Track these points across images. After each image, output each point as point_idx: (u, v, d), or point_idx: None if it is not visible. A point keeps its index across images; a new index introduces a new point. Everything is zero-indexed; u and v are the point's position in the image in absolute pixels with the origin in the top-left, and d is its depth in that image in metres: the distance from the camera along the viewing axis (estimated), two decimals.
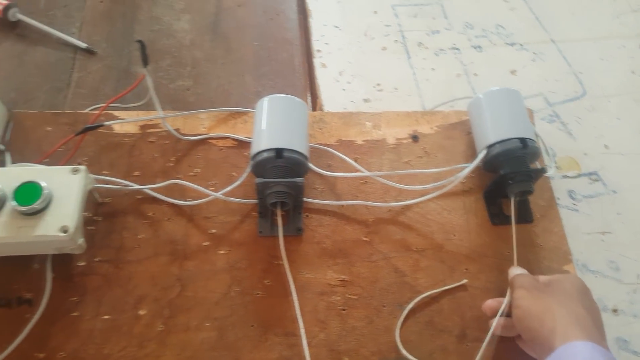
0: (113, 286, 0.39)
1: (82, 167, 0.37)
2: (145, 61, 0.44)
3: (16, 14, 0.53)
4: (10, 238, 0.34)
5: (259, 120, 0.43)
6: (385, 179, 0.44)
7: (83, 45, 0.53)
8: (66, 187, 0.36)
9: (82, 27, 0.55)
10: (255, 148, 0.42)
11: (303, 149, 0.41)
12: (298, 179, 0.40)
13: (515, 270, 0.40)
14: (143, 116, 0.47)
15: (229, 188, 0.42)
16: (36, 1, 0.56)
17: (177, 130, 0.46)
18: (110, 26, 0.55)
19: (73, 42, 0.53)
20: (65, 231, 0.34)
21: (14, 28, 0.54)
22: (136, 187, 0.42)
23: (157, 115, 0.45)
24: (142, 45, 0.43)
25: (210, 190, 0.42)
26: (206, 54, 0.54)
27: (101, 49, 0.53)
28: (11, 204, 0.34)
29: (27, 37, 0.54)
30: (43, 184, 0.35)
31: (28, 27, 0.54)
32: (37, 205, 0.34)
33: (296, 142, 0.41)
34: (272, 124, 0.42)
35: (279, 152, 0.40)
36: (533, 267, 0.41)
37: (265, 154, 0.40)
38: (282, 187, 0.40)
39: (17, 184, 0.35)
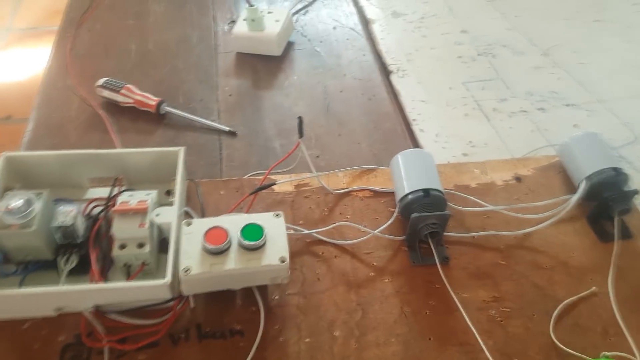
0: (306, 314, 0.46)
1: (281, 213, 0.46)
2: (301, 133, 0.54)
3: (165, 108, 0.65)
4: (243, 269, 0.41)
5: (399, 170, 0.53)
6: (507, 212, 0.53)
7: (226, 128, 0.64)
8: (273, 228, 0.44)
9: (220, 115, 0.66)
10: (401, 192, 0.51)
11: (441, 189, 0.51)
12: (446, 212, 0.49)
13: None
14: (301, 176, 0.57)
15: (382, 227, 0.51)
16: (175, 98, 0.68)
17: (322, 187, 0.56)
18: (242, 114, 0.67)
19: (217, 127, 0.64)
20: (283, 261, 0.42)
21: (163, 119, 0.65)
22: (306, 232, 0.51)
23: (312, 174, 0.55)
24: (301, 121, 0.54)
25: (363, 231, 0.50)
26: (325, 129, 0.65)
27: (240, 131, 0.64)
28: (240, 241, 0.42)
29: (175, 126, 0.65)
30: (262, 224, 0.43)
31: (174, 117, 0.65)
32: (261, 241, 0.42)
33: (435, 183, 0.51)
34: (412, 171, 0.52)
35: (425, 191, 0.50)
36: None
37: (412, 195, 0.50)
38: (435, 220, 0.48)
39: (240, 226, 0.43)
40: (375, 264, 0.50)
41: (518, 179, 0.58)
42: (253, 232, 0.43)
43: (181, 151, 0.50)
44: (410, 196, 0.50)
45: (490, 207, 0.53)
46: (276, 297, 0.46)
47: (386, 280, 0.49)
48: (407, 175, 0.52)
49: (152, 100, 0.65)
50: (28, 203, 0.41)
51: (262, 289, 0.46)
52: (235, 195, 0.55)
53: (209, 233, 0.42)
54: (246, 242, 0.42)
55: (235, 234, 0.43)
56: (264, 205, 0.54)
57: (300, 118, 0.54)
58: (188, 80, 0.72)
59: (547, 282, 0.49)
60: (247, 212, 0.52)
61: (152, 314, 0.43)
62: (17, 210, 0.40)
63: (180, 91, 0.70)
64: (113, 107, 0.66)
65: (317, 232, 0.51)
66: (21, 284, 0.43)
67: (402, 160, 0.54)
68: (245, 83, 0.72)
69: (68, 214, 0.43)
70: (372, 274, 0.49)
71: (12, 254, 0.43)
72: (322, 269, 0.49)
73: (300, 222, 0.52)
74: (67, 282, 0.43)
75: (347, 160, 0.62)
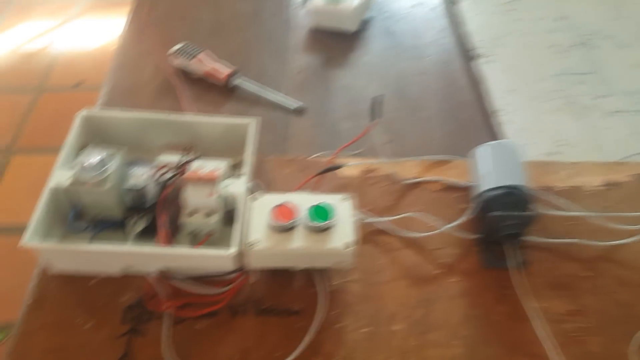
0: (366, 303, 0.44)
1: (348, 196, 0.44)
2: (374, 114, 0.52)
3: (234, 81, 0.64)
4: (308, 249, 0.40)
5: (482, 163, 0.49)
6: (597, 220, 0.48)
7: (294, 105, 0.62)
8: (341, 211, 0.42)
9: (289, 92, 0.65)
10: (482, 187, 0.47)
11: (527, 188, 0.46)
12: (531, 212, 0.45)
13: None
14: (368, 161, 0.54)
15: (455, 223, 0.48)
16: (245, 71, 0.68)
17: (391, 175, 0.53)
18: (311, 92, 0.65)
19: (285, 104, 0.63)
20: (348, 247, 0.40)
21: (232, 92, 0.65)
22: (371, 219, 0.48)
23: (382, 160, 0.52)
24: (378, 101, 0.52)
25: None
26: (397, 115, 0.62)
27: (308, 110, 0.63)
28: (308, 220, 0.41)
29: (244, 100, 0.64)
30: (331, 206, 0.41)
31: (243, 92, 0.65)
32: (328, 223, 0.40)
33: (521, 180, 0.47)
34: (496, 165, 0.48)
35: (510, 189, 0.46)
36: None
37: (495, 192, 0.46)
38: (517, 220, 0.45)
39: (308, 205, 0.41)
40: (442, 261, 0.47)
41: (610, 184, 0.52)
42: (321, 213, 0.41)
43: (253, 123, 0.49)
44: (491, 192, 0.46)
45: (578, 213, 0.48)
46: (336, 282, 0.45)
47: (453, 280, 0.46)
48: (490, 169, 0.48)
49: (222, 72, 0.64)
50: (103, 161, 0.42)
51: (323, 272, 0.45)
52: (300, 175, 0.53)
53: (277, 209, 0.41)
54: (314, 223, 0.40)
55: (302, 213, 0.41)
56: (329, 188, 0.52)
57: (377, 98, 0.51)
58: (259, 55, 0.71)
59: (634, 301, 0.44)
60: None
61: (213, 285, 0.43)
62: (92, 168, 0.41)
63: (251, 65, 0.69)
64: (184, 76, 0.66)
65: (382, 221, 0.49)
66: (91, 240, 0.44)
67: (487, 152, 0.50)
68: (316, 60, 0.70)
69: (140, 176, 0.44)
70: (439, 271, 0.46)
71: (85, 210, 0.44)
72: (385, 260, 0.47)
73: (365, 209, 0.50)
74: (135, 244, 0.44)
75: (420, 148, 0.58)
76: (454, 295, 0.44)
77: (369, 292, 0.44)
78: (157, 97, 0.64)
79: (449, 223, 0.48)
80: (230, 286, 0.43)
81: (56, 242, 0.44)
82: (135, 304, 0.43)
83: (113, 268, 0.44)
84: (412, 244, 0.48)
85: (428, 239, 0.48)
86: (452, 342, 0.41)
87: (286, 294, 0.44)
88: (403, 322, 0.43)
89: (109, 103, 0.63)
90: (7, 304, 1.01)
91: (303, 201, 0.42)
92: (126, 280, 0.44)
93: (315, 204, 0.41)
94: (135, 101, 0.63)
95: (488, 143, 0.50)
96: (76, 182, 0.41)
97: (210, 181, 0.44)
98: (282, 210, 0.41)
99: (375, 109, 0.52)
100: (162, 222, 0.44)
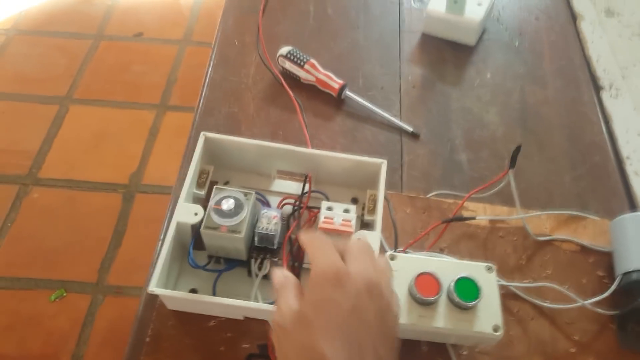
0: None
1: (494, 267, 0.40)
2: (513, 163, 0.47)
3: (347, 93, 0.60)
4: (453, 330, 0.37)
5: (628, 235, 0.44)
6: None
7: (410, 129, 0.58)
8: (486, 284, 0.38)
9: (402, 110, 0.60)
10: (629, 264, 0.43)
11: None
12: None
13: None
14: (500, 212, 0.50)
15: (595, 299, 0.44)
16: (355, 80, 0.63)
17: (522, 228, 0.49)
18: (427, 112, 0.60)
19: (399, 125, 0.58)
20: (496, 330, 0.37)
21: (342, 104, 0.60)
22: (504, 282, 0.45)
23: (516, 215, 0.48)
24: (518, 150, 0.47)
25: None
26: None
27: (423, 134, 0.58)
28: (453, 296, 0.37)
29: (354, 114, 0.59)
30: (479, 282, 0.38)
31: (354, 104, 0.60)
32: (476, 302, 0.37)
33: None
34: None
35: None
36: None
37: None
38: None
39: (450, 275, 0.38)
40: (577, 338, 0.43)
41: None
42: (467, 288, 0.37)
43: (383, 165, 0.45)
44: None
45: None
46: (465, 353, 0.42)
47: None
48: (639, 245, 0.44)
49: (335, 82, 0.59)
50: (239, 206, 0.38)
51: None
52: (422, 217, 0.49)
53: (420, 279, 0.38)
54: (460, 301, 0.37)
55: (445, 284, 0.38)
56: (453, 237, 0.48)
57: (518, 147, 0.46)
58: (369, 61, 0.65)
59: None
60: (435, 242, 0.47)
61: None
62: (229, 213, 0.38)
63: (360, 73, 0.64)
64: (290, 80, 0.61)
65: (515, 287, 0.45)
66: (216, 282, 0.41)
67: (634, 223, 0.45)
68: (431, 74, 0.64)
69: (271, 219, 0.40)
70: (573, 350, 0.43)
71: (208, 249, 0.42)
72: (516, 331, 0.43)
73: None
74: (259, 287, 0.42)
75: (546, 194, 0.54)
76: None
77: None
78: (265, 103, 0.60)
79: (586, 293, 0.44)
80: None
81: (174, 275, 0.42)
82: (259, 353, 0.41)
83: (235, 315, 0.41)
84: (544, 313, 0.44)
85: (562, 311, 0.44)
86: None
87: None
88: None
89: (212, 103, 0.59)
90: (61, 261, 1.03)
91: (444, 269, 0.39)
92: (248, 324, 0.42)
93: (459, 276, 0.38)
94: (241, 105, 0.59)
95: (636, 213, 0.45)
96: (210, 225, 0.38)
97: (343, 234, 0.40)
98: (425, 280, 0.38)
99: (515, 158, 0.47)
100: (286, 265, 0.41)
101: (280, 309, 0.29)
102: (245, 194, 0.40)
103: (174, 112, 1.32)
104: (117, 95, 1.34)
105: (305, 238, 0.31)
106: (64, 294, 0.98)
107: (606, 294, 0.44)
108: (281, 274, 0.31)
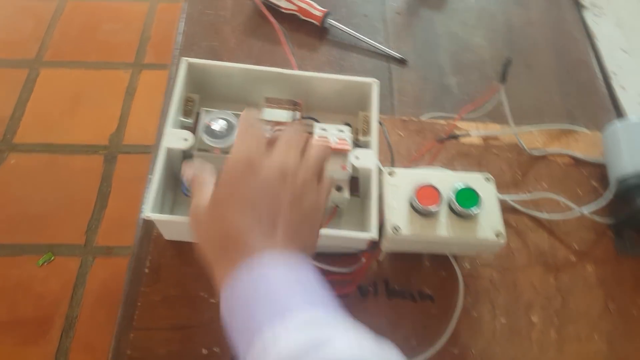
0: (501, 290, 0.41)
1: (491, 177, 0.40)
2: (504, 77, 0.46)
3: (330, 21, 0.57)
4: (455, 238, 0.37)
5: (620, 143, 0.44)
6: None
7: (397, 55, 0.56)
8: (485, 194, 0.38)
9: (389, 37, 0.58)
10: (623, 170, 0.43)
11: None
12: None
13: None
14: (493, 129, 0.50)
15: (591, 206, 0.44)
16: (337, 8, 0.60)
17: (516, 144, 0.48)
18: (413, 38, 0.58)
19: (386, 52, 0.56)
20: (498, 235, 0.37)
21: (326, 33, 0.58)
22: (500, 197, 0.45)
23: (510, 130, 0.47)
24: (508, 63, 0.45)
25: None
26: (512, 70, 0.56)
27: (410, 60, 0.56)
28: (454, 205, 0.37)
29: (339, 43, 0.57)
30: (479, 191, 0.37)
31: (338, 33, 0.58)
32: (476, 209, 0.37)
33: None
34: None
35: None
36: None
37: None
38: None
39: (449, 186, 0.37)
40: (576, 246, 0.44)
41: None
42: (468, 197, 0.37)
43: (375, 84, 0.44)
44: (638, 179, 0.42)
45: None
46: (467, 266, 0.42)
47: (589, 268, 0.43)
48: (632, 151, 0.44)
49: (317, 10, 0.57)
50: (231, 127, 0.37)
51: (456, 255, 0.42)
52: (416, 139, 0.48)
53: (420, 191, 0.37)
54: (461, 209, 0.37)
55: (445, 195, 0.38)
56: (448, 156, 0.48)
57: (508, 59, 0.45)
58: None
59: None
60: (431, 162, 0.47)
61: (340, 262, 0.40)
62: (220, 134, 0.36)
63: (343, 1, 0.61)
64: (271, 11, 0.58)
65: (513, 200, 0.45)
66: None
67: (625, 131, 0.45)
68: (415, 0, 0.62)
69: None
70: (573, 258, 0.43)
71: None
72: (516, 243, 0.44)
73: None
74: None
75: (535, 111, 0.53)
76: (591, 285, 0.42)
77: (503, 278, 0.42)
78: (245, 35, 0.57)
79: (582, 204, 0.44)
80: (357, 265, 0.40)
81: (169, 204, 0.41)
82: None
83: None
84: (542, 225, 0.45)
85: (560, 221, 0.45)
86: (591, 337, 0.40)
87: (416, 275, 0.41)
88: (541, 312, 0.40)
89: (191, 39, 0.56)
90: (47, 226, 1.00)
91: (443, 180, 0.38)
92: None
93: (459, 186, 0.37)
94: (221, 39, 0.57)
95: (626, 120, 0.45)
96: (202, 147, 0.37)
97: (342, 152, 0.39)
98: (426, 192, 0.37)
99: (505, 72, 0.46)
100: None
101: (195, 202, 0.29)
102: (236, 115, 0.38)
103: (150, 70, 1.27)
104: (89, 55, 1.28)
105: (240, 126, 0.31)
106: (52, 258, 0.96)
107: (602, 202, 0.44)
108: (190, 172, 0.31)
